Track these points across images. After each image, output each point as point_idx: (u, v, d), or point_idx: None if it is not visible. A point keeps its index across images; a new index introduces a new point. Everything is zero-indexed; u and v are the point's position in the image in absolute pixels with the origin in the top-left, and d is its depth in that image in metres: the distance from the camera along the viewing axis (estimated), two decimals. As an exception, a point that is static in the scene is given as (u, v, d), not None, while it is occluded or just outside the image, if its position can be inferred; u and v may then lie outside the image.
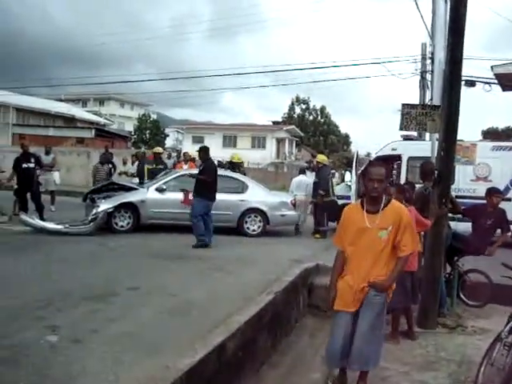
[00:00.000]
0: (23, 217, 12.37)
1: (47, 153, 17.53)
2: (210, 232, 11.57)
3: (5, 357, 4.52)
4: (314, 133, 74.72)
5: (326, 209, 14.19)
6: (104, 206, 12.37)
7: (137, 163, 18.71)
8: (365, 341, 4.74)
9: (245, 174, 17.11)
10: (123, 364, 4.51)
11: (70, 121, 51.14)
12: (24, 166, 13.66)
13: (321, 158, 15.39)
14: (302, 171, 16.63)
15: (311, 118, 77.40)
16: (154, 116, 76.89)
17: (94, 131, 42.20)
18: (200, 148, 12.67)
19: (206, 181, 11.49)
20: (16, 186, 14.18)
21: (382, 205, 4.74)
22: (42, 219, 12.90)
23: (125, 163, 19.73)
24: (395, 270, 4.78)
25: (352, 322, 4.80)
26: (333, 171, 22.00)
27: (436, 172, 7.39)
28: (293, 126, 64.17)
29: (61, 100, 62.09)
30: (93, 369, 4.37)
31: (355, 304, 4.77)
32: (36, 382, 4.06)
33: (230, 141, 58.37)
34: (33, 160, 13.93)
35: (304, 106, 78.02)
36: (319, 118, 77.33)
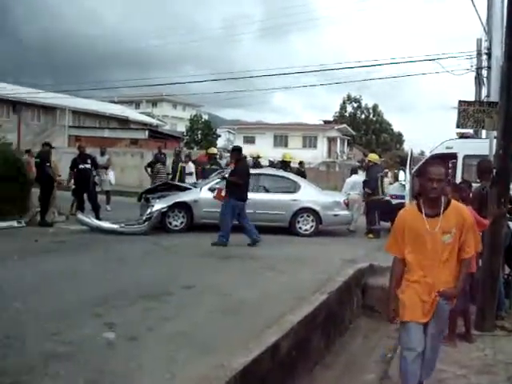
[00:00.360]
0: (80, 216, 12.69)
1: (102, 154, 17.92)
2: (249, 231, 11.58)
3: (64, 352, 4.65)
4: (365, 131, 73.96)
5: (375, 207, 14.06)
6: (158, 205, 12.54)
7: (171, 162, 18.94)
8: (434, 350, 4.57)
9: (305, 176, 17.13)
10: (178, 362, 4.57)
11: (123, 122, 52.06)
12: (81, 166, 14.00)
13: (372, 157, 15.24)
14: (354, 171, 16.50)
15: (363, 116, 76.61)
16: (205, 117, 77.49)
17: (147, 132, 42.77)
18: (232, 148, 12.73)
19: (237, 182, 11.52)
20: (73, 187, 14.53)
21: (442, 207, 4.43)
22: (98, 219, 13.19)
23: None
24: (462, 274, 4.53)
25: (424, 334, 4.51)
26: (386, 170, 21.73)
27: (494, 170, 7.19)
28: (344, 125, 63.68)
29: (115, 102, 63.40)
30: (149, 366, 4.44)
31: (427, 315, 4.44)
32: (95, 378, 4.15)
33: (281, 140, 58.37)
34: (89, 161, 14.25)
35: (356, 105, 77.32)
36: (371, 116, 76.46)
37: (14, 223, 12.77)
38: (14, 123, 37.90)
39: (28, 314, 5.75)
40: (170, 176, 17.77)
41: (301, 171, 18.62)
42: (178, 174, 17.54)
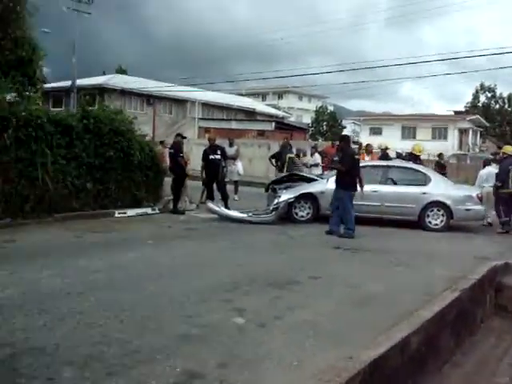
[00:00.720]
0: (210, 205, 13.13)
1: (230, 145, 18.36)
2: (334, 223, 11.51)
3: (197, 335, 4.84)
4: (500, 123, 70.07)
5: (502, 201, 13.34)
6: (285, 196, 12.66)
7: (279, 151, 18.98)
8: None
9: (445, 168, 16.64)
10: (306, 351, 4.60)
11: (250, 114, 53.09)
12: (211, 157, 14.42)
13: (507, 148, 14.40)
14: (487, 163, 15.72)
15: (497, 106, 72.59)
16: (330, 108, 77.34)
17: (273, 124, 43.36)
18: (341, 137, 12.64)
19: (341, 170, 11.44)
20: (204, 177, 15.03)
21: None
22: (227, 208, 13.56)
23: (304, 155, 20.01)
24: None
25: None
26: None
27: None
28: (477, 116, 60.62)
29: (242, 94, 64.81)
30: (277, 353, 4.51)
31: None
32: (225, 361, 4.27)
33: (409, 132, 56.69)
34: (219, 152, 14.64)
35: (489, 94, 73.42)
36: (506, 106, 72.27)
37: (149, 210, 13.50)
38: (148, 116, 39.94)
39: (162, 297, 6.04)
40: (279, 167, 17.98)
41: (440, 163, 18.10)
42: (286, 164, 17.64)
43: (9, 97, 11.96)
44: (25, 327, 4.83)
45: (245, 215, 12.65)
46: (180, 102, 47.75)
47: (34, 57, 16.46)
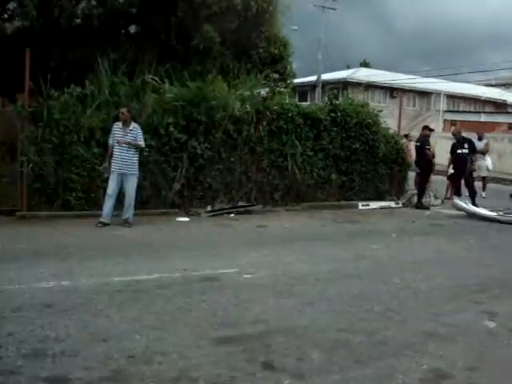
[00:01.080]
0: (456, 201, 12.64)
1: (479, 139, 17.42)
2: None
3: (444, 334, 4.72)
4: None
5: None
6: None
7: None
8: None
9: None
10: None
11: (501, 106, 49.81)
12: (458, 151, 13.91)
13: None
14: None
15: None
16: None
17: (527, 117, 40.13)
18: None
19: None
20: (451, 171, 14.52)
21: None
22: (475, 205, 12.92)
23: None
24: None
25: None
26: None
27: None
28: None
29: (492, 85, 60.83)
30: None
31: None
32: (475, 365, 4.10)
33: None
34: (466, 146, 14.06)
35: None
36: None
37: (392, 204, 13.50)
38: (390, 108, 39.67)
39: (406, 290, 6.01)
40: None
41: None
42: None
43: (263, 92, 12.83)
44: (276, 307, 5.19)
45: (494, 214, 11.90)
46: (424, 94, 46.59)
47: (284, 54, 17.41)
